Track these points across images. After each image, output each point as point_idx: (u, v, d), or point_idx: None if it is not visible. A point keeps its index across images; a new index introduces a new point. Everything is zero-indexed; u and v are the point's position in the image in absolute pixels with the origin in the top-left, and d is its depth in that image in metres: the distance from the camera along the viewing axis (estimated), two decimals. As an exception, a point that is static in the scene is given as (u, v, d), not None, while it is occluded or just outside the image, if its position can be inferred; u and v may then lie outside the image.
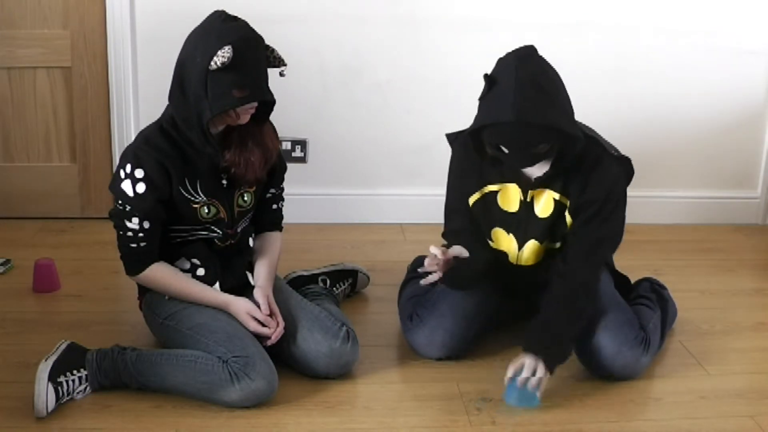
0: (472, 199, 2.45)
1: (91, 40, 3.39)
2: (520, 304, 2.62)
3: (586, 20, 3.52)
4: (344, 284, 2.88)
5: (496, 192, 2.42)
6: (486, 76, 2.21)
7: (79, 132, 3.50)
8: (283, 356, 2.38)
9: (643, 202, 3.68)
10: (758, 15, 3.59)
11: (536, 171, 2.35)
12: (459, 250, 2.42)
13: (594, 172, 2.33)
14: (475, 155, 2.36)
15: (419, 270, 2.38)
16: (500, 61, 2.23)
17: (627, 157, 2.45)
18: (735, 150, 3.76)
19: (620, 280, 2.64)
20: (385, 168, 3.64)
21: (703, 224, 3.78)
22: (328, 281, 2.82)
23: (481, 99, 2.23)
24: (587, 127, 2.45)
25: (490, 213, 2.45)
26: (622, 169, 2.40)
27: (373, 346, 2.59)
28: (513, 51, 2.23)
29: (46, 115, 3.48)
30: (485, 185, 2.42)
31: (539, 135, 2.18)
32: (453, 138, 2.52)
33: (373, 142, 3.60)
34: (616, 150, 2.46)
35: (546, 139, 2.20)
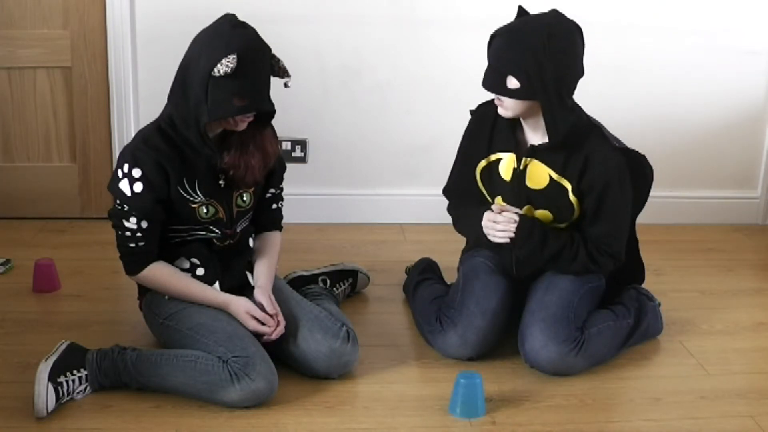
0: (479, 167, 2.52)
1: (91, 40, 3.39)
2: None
3: (585, 20, 3.48)
4: (344, 284, 2.88)
5: (499, 161, 2.48)
6: (520, 6, 2.36)
7: (79, 132, 3.50)
8: (283, 356, 2.38)
9: (643, 202, 3.68)
10: (758, 15, 3.59)
11: (533, 138, 2.42)
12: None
13: (594, 158, 2.38)
14: (489, 121, 2.47)
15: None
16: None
17: (630, 150, 2.47)
18: (735, 150, 3.76)
19: (622, 277, 2.64)
20: (385, 168, 3.64)
21: (703, 224, 3.78)
22: (328, 281, 2.82)
23: None
24: (595, 119, 2.49)
25: (493, 181, 2.51)
26: (622, 159, 2.42)
27: (373, 346, 2.59)
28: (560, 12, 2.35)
29: (46, 115, 3.48)
30: (492, 153, 2.49)
31: (510, 62, 2.28)
32: (474, 110, 2.59)
33: (373, 142, 3.60)
34: (620, 142, 2.47)
35: (514, 71, 2.27)
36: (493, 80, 2.34)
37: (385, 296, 2.94)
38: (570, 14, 3.56)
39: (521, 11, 2.36)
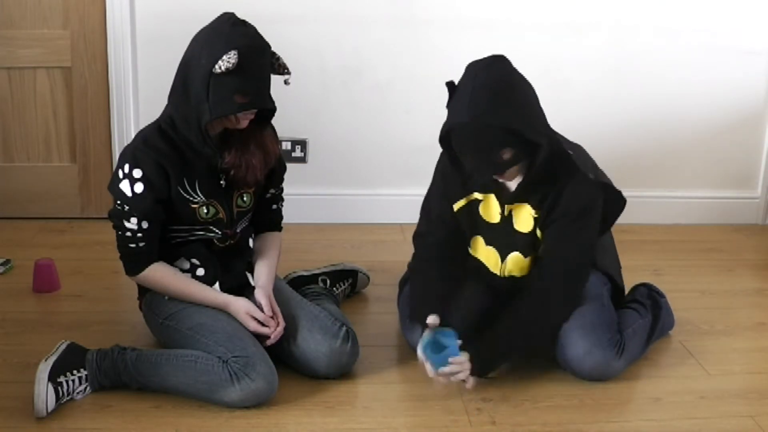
0: (457, 206, 2.44)
1: (91, 40, 3.39)
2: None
3: (586, 20, 3.52)
4: (344, 284, 2.88)
5: (479, 201, 2.42)
6: (448, 83, 2.22)
7: (79, 132, 3.50)
8: (283, 356, 2.38)
9: (643, 202, 3.67)
10: (758, 15, 3.59)
11: (513, 184, 2.34)
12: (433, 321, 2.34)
13: (567, 189, 2.30)
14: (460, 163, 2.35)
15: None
16: (467, 68, 2.22)
17: (610, 185, 2.40)
18: (735, 150, 3.76)
19: (617, 286, 2.63)
20: (385, 168, 3.64)
21: (703, 224, 3.78)
22: (328, 281, 2.82)
23: (447, 106, 2.24)
24: (573, 144, 2.42)
25: (474, 221, 2.44)
26: (598, 191, 2.34)
27: (373, 346, 2.59)
28: (481, 59, 2.22)
29: (46, 115, 3.48)
30: (471, 192, 2.42)
31: (497, 138, 2.15)
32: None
33: (373, 142, 3.60)
34: (601, 173, 2.42)
35: (505, 143, 2.16)
36: (489, 167, 2.21)
37: (385, 296, 2.93)
38: (571, 15, 3.58)
39: (451, 86, 2.23)
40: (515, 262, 2.43)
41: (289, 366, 2.38)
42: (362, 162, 3.62)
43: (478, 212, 2.43)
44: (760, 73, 3.67)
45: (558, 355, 2.45)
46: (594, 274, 2.51)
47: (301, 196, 3.51)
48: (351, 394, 2.36)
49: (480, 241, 2.47)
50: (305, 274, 2.83)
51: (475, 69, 2.19)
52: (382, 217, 3.65)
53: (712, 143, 3.73)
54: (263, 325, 2.34)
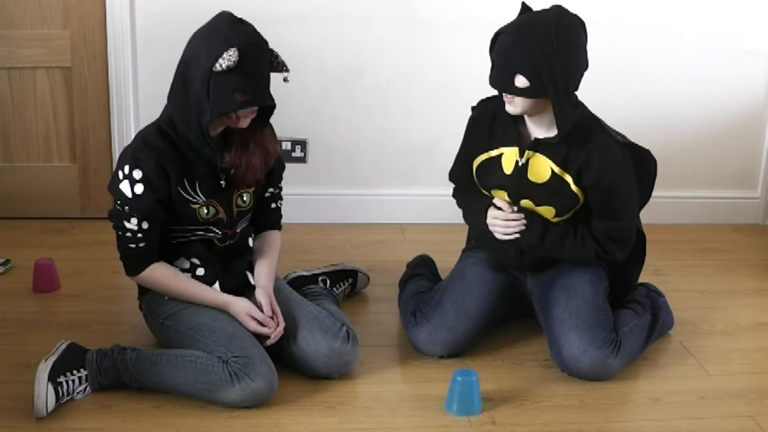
0: (478, 161, 2.50)
1: (91, 40, 3.39)
2: (522, 304, 2.63)
3: (586, 20, 3.51)
4: (344, 284, 2.88)
5: (501, 155, 2.46)
6: (523, 2, 2.36)
7: (79, 132, 3.50)
8: (283, 356, 2.38)
9: (643, 202, 3.68)
10: (758, 15, 3.59)
11: (537, 131, 2.41)
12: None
13: (596, 154, 2.37)
14: (488, 118, 2.47)
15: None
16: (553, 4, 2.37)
17: (636, 145, 2.48)
18: (735, 150, 3.76)
19: (620, 278, 2.64)
20: (385, 168, 3.64)
21: (703, 224, 3.78)
22: (328, 281, 2.82)
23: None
24: (594, 114, 2.49)
25: (492, 175, 2.49)
26: (626, 152, 2.43)
27: (373, 346, 2.59)
28: (565, 8, 2.35)
29: (46, 115, 3.48)
30: (492, 149, 2.47)
31: (521, 61, 2.26)
32: (475, 105, 2.58)
33: (373, 142, 3.60)
34: (623, 136, 2.48)
35: (524, 70, 2.26)
36: (501, 79, 2.32)
37: (385, 296, 2.94)
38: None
39: (524, 8, 2.35)
40: (527, 206, 2.46)
41: (289, 366, 2.39)
42: (362, 162, 3.62)
43: (500, 165, 2.47)
44: (760, 73, 3.66)
45: (554, 356, 2.46)
46: (592, 272, 2.52)
47: (301, 196, 3.51)
48: (351, 394, 2.36)
49: (499, 193, 2.50)
50: (305, 274, 2.83)
51: (554, 7, 2.33)
52: (382, 217, 3.65)
53: (712, 143, 3.73)
54: (263, 325, 2.34)
